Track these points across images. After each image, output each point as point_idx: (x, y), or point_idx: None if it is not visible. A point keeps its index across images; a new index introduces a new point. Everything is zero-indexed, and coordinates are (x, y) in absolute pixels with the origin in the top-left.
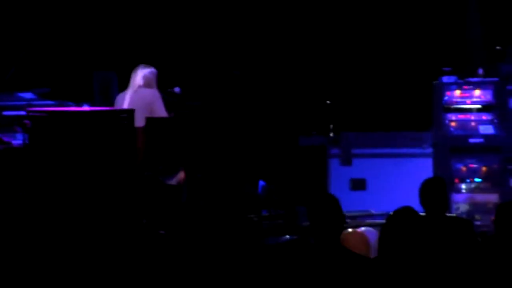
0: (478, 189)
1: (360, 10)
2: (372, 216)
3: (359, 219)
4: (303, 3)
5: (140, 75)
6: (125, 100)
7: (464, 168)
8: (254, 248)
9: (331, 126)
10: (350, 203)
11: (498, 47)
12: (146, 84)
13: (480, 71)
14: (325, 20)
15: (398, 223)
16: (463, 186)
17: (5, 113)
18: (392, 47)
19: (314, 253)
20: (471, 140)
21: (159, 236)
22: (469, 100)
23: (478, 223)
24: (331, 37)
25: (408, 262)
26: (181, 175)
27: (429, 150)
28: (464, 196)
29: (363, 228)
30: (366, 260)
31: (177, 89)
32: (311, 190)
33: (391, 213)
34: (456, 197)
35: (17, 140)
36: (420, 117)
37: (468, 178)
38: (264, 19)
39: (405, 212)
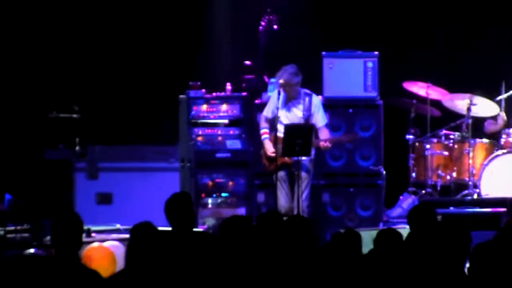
0: (225, 204)
1: (106, 23)
2: (118, 230)
3: (105, 234)
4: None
5: None
6: None
7: (211, 183)
8: None
9: (78, 139)
10: (97, 217)
11: (246, 62)
12: None
13: (228, 85)
14: (73, 33)
15: (139, 238)
16: (210, 200)
17: None
18: (139, 60)
19: (51, 268)
20: (218, 155)
21: None
22: (217, 114)
23: None
24: (77, 50)
25: (155, 277)
26: None
27: (176, 164)
28: (211, 210)
29: (109, 243)
30: (100, 277)
31: None
32: (56, 204)
33: (131, 228)
34: (202, 212)
35: None
36: (167, 131)
37: (215, 193)
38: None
39: (144, 227)
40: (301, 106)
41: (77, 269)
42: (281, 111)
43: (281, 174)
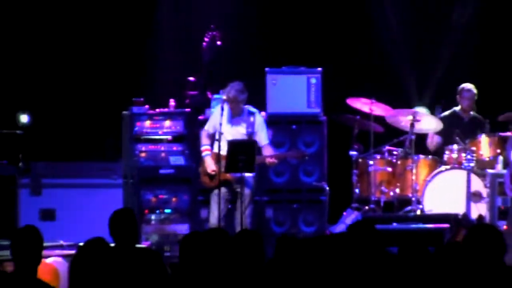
0: (168, 220)
1: (49, 37)
2: (61, 247)
3: (48, 250)
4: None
5: None
6: None
7: (154, 199)
8: None
9: (21, 155)
10: None
11: (190, 78)
12: None
13: (172, 102)
14: (14, 48)
15: (89, 254)
16: (153, 217)
17: None
18: (82, 77)
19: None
20: (162, 171)
21: None
22: (160, 130)
23: (167, 254)
24: (19, 66)
25: None
26: None
27: (119, 180)
28: (154, 227)
29: (52, 259)
30: None
31: None
32: (2, 221)
33: (82, 244)
34: (146, 228)
35: None
36: (111, 148)
37: (158, 209)
38: None
39: (96, 243)
40: (244, 124)
41: (36, 285)
42: (225, 127)
43: (222, 191)
